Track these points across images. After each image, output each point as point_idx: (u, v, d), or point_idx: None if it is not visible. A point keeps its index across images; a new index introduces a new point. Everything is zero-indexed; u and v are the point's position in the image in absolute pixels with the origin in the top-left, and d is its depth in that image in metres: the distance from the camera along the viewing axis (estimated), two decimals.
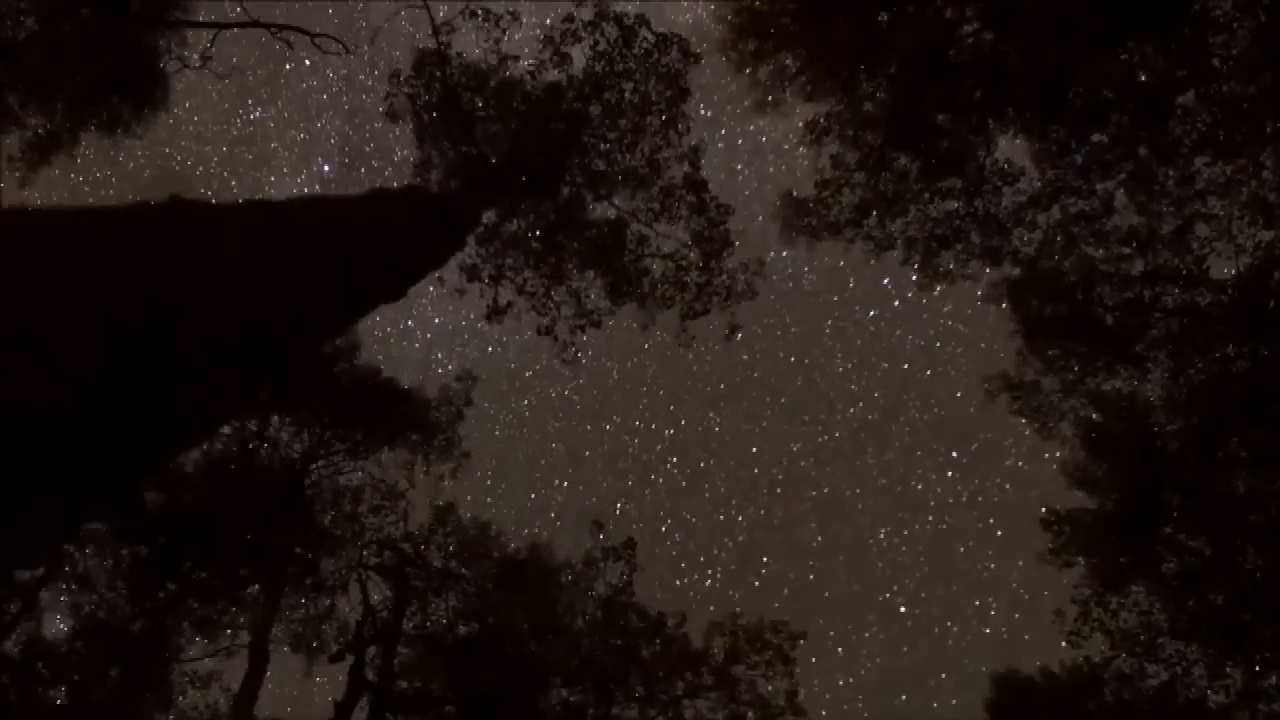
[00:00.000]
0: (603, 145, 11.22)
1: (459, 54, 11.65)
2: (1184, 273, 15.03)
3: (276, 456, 16.39)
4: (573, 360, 11.42)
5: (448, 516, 17.13)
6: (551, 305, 11.16)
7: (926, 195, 14.94)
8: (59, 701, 18.50)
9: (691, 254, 11.25)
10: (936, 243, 15.21)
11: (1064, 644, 14.38)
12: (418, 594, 16.08)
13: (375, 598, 15.61)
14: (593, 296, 11.23)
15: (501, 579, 16.03)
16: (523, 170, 11.03)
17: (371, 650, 15.18)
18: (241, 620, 16.89)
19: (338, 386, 16.14)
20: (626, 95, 10.94)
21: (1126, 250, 16.15)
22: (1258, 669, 13.31)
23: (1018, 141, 15.55)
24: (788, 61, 15.93)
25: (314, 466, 16.81)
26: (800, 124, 14.84)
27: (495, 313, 11.12)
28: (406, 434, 17.10)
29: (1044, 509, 18.14)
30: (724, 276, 11.42)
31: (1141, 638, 13.73)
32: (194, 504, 16.75)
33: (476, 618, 16.03)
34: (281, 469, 16.20)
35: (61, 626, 19.94)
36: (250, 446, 16.36)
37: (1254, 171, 14.95)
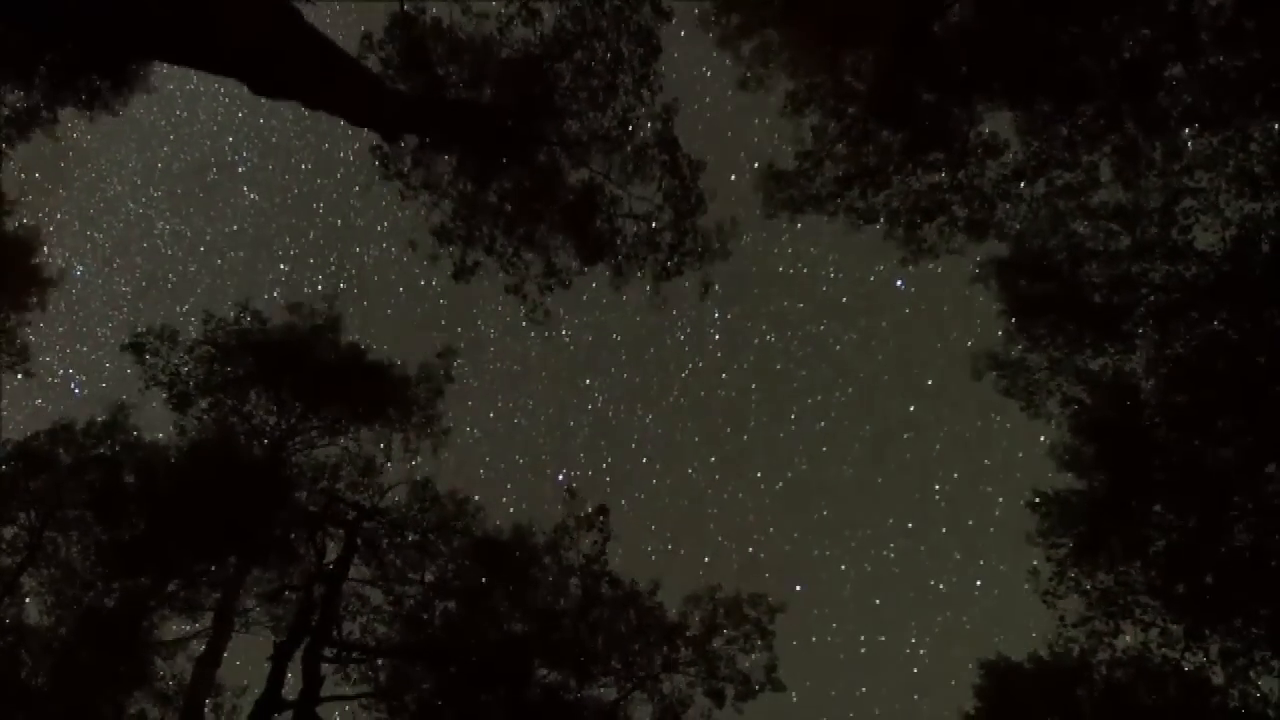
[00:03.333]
0: (574, 105, 11.06)
1: (430, 15, 11.52)
2: (1171, 245, 14.85)
3: (251, 430, 16.26)
4: (542, 320, 11.31)
5: (424, 491, 16.98)
6: (520, 265, 11.03)
7: (910, 167, 14.79)
8: (37, 681, 18.34)
9: (664, 213, 11.09)
10: (920, 215, 15.05)
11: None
12: (394, 568, 16.00)
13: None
14: (562, 256, 11.11)
15: (475, 552, 15.86)
16: (491, 129, 10.89)
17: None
18: (212, 600, 16.69)
19: (317, 362, 16.01)
20: (598, 53, 10.79)
21: (1114, 226, 15.99)
22: (1240, 645, 13.10)
23: (1003, 114, 15.40)
24: (772, 36, 15.82)
25: (291, 443, 16.69)
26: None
27: (463, 272, 10.99)
28: (385, 411, 16.99)
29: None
30: (698, 236, 11.25)
31: (1119, 600, 13.53)
32: (169, 481, 16.61)
33: (452, 592, 15.88)
34: (259, 446, 16.07)
35: (40, 608, 19.85)
36: (229, 423, 16.25)
37: (1241, 144, 14.79)
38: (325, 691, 14.37)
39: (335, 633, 14.74)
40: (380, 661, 16.01)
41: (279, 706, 13.78)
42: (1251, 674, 13.79)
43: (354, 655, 15.07)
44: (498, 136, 11.18)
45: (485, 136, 10.43)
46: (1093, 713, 18.33)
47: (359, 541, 15.33)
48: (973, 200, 14.99)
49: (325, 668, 14.70)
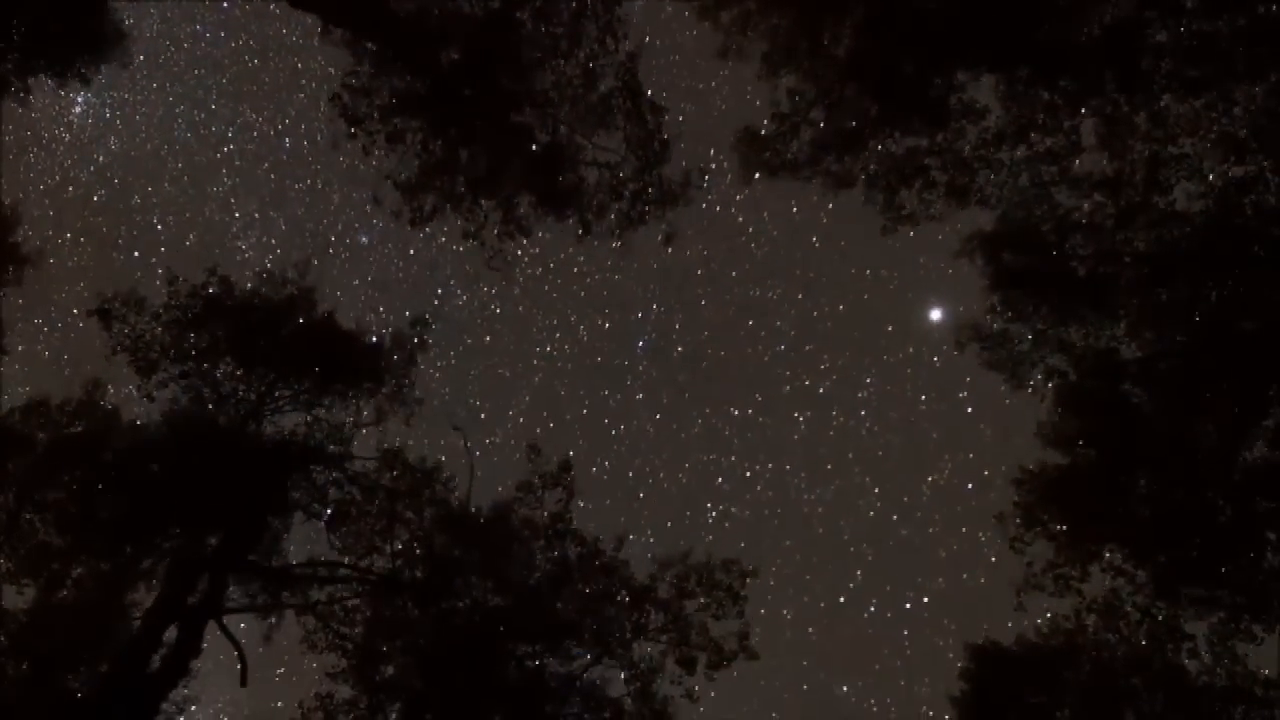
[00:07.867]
0: (538, 53, 10.87)
1: None
2: (1154, 212, 14.61)
3: (220, 399, 16.10)
4: (501, 266, 11.10)
5: (395, 459, 16.72)
6: (479, 211, 10.82)
7: (888, 131, 14.57)
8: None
9: (628, 162, 10.87)
10: (899, 180, 14.82)
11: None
12: (363, 535, 15.81)
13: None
14: (523, 206, 10.89)
15: (446, 522, 15.62)
16: (452, 81, 10.71)
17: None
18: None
19: (288, 330, 15.83)
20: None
21: (1097, 196, 15.76)
22: (1225, 613, 12.82)
23: (983, 80, 15.18)
24: (751, 5, 15.62)
25: (261, 411, 16.48)
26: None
27: (419, 219, 10.78)
28: (358, 382, 16.78)
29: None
30: (661, 184, 11.02)
31: (1090, 547, 13.24)
32: (144, 457, 16.43)
33: (421, 561, 15.64)
34: (227, 415, 15.90)
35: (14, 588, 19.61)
36: (200, 391, 16.08)
37: (1224, 108, 14.59)
38: (303, 675, 14.16)
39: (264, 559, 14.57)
40: (357, 630, 15.81)
41: (174, 615, 13.77)
42: (1235, 644, 13.50)
43: (269, 572, 14.85)
44: (462, 93, 10.99)
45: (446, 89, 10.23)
46: (1080, 695, 18.05)
47: (292, 461, 15.12)
48: (952, 165, 14.79)
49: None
